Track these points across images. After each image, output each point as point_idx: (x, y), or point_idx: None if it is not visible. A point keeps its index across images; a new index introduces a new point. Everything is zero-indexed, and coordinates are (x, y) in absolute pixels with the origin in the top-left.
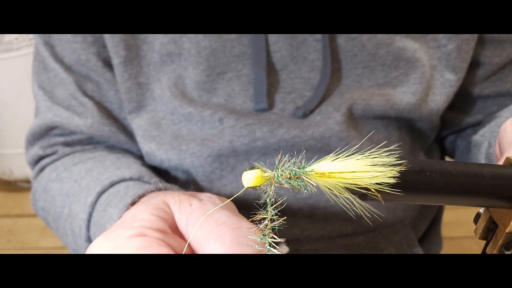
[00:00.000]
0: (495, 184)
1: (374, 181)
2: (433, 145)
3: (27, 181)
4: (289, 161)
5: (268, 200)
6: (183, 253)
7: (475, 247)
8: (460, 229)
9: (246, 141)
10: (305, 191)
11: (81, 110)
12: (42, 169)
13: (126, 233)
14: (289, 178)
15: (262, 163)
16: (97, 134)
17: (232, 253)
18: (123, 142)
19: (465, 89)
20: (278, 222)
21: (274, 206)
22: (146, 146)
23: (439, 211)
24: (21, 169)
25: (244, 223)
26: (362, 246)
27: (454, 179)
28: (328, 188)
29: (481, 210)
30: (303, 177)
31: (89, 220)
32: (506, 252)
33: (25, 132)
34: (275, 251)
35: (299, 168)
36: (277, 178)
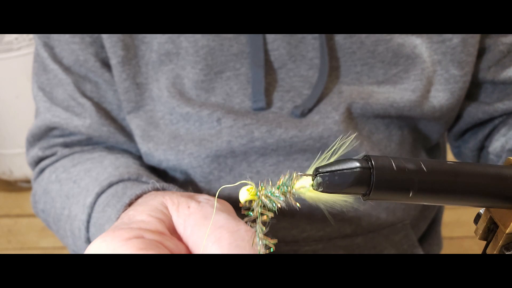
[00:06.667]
0: (495, 184)
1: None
2: (436, 147)
3: (27, 181)
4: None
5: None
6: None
7: (475, 247)
8: (460, 229)
9: (244, 141)
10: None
11: (79, 111)
12: (42, 170)
13: (124, 235)
14: (277, 193)
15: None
16: (95, 134)
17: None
18: (122, 142)
19: (477, 77)
20: (268, 217)
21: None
22: (145, 146)
23: (439, 211)
24: (21, 169)
25: (242, 227)
26: (362, 247)
27: (455, 179)
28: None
29: (482, 210)
30: (290, 194)
31: (88, 221)
32: (507, 253)
33: (25, 132)
34: (267, 246)
35: (286, 185)
36: (266, 193)
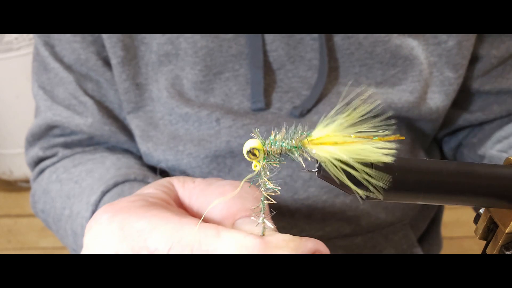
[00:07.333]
0: (495, 184)
1: (373, 156)
2: (433, 145)
3: (27, 181)
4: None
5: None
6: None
7: (475, 247)
8: (460, 229)
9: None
10: (299, 159)
11: (81, 109)
12: (42, 171)
13: (130, 199)
14: (287, 145)
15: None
16: (97, 133)
17: (233, 206)
18: (123, 141)
19: (464, 84)
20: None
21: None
22: (144, 146)
23: (439, 211)
24: (21, 169)
25: (245, 184)
26: (361, 247)
27: (455, 178)
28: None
29: (481, 210)
30: (299, 144)
31: None
32: (506, 253)
33: (25, 132)
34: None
35: (296, 135)
36: (273, 144)
